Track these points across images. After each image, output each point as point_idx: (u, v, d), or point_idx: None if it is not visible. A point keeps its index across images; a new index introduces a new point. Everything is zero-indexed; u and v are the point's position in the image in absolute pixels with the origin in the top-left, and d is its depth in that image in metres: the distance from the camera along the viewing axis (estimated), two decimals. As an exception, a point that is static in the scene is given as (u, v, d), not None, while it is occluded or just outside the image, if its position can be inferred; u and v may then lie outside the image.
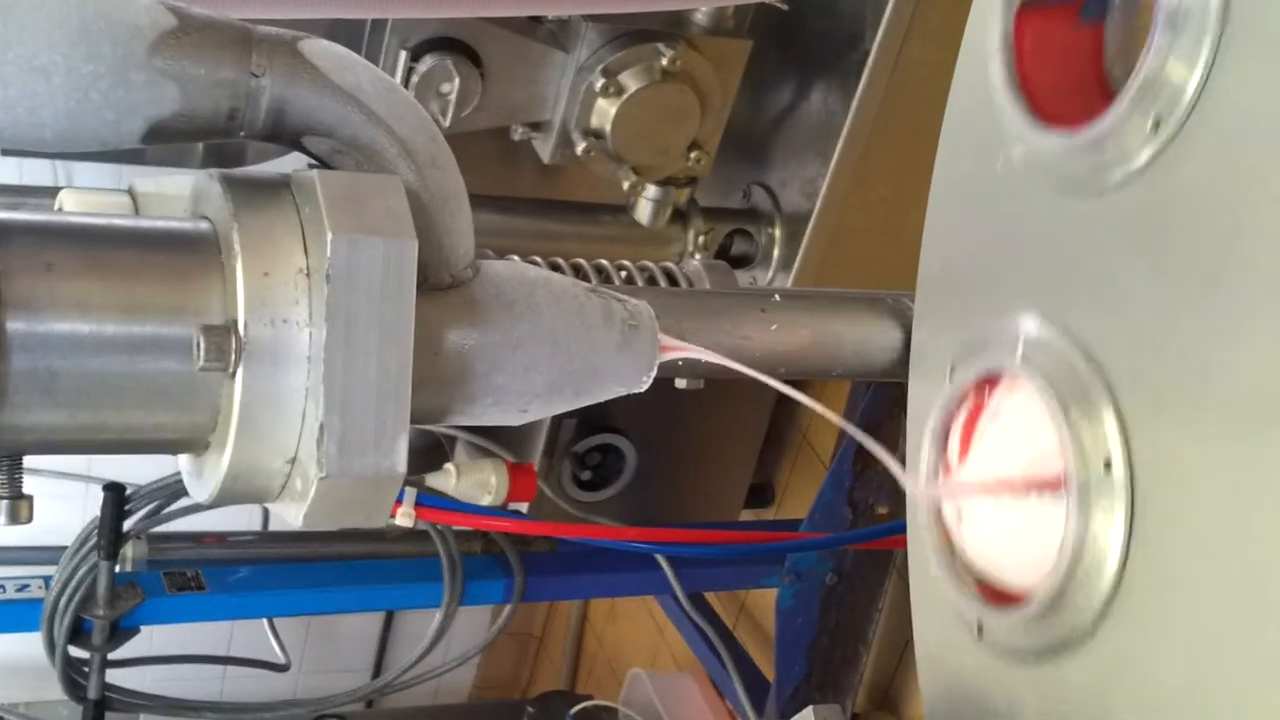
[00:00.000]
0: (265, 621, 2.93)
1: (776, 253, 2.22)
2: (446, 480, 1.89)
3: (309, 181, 0.78)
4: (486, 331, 0.85)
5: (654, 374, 0.97)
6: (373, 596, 2.84)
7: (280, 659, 2.85)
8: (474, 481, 1.89)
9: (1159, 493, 0.87)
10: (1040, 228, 0.98)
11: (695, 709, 3.25)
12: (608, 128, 2.04)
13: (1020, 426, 0.97)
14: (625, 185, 2.14)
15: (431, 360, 0.85)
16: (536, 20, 2.02)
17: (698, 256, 2.20)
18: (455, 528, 2.68)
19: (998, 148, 1.00)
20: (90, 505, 2.55)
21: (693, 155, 2.13)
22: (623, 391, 0.96)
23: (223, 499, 0.81)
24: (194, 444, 0.82)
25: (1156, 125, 0.86)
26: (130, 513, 2.47)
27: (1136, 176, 0.88)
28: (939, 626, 1.07)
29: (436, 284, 0.87)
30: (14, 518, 0.78)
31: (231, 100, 0.82)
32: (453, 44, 1.96)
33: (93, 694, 2.44)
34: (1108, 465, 0.88)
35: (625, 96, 2.03)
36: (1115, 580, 0.88)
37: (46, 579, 2.48)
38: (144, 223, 0.85)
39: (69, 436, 0.81)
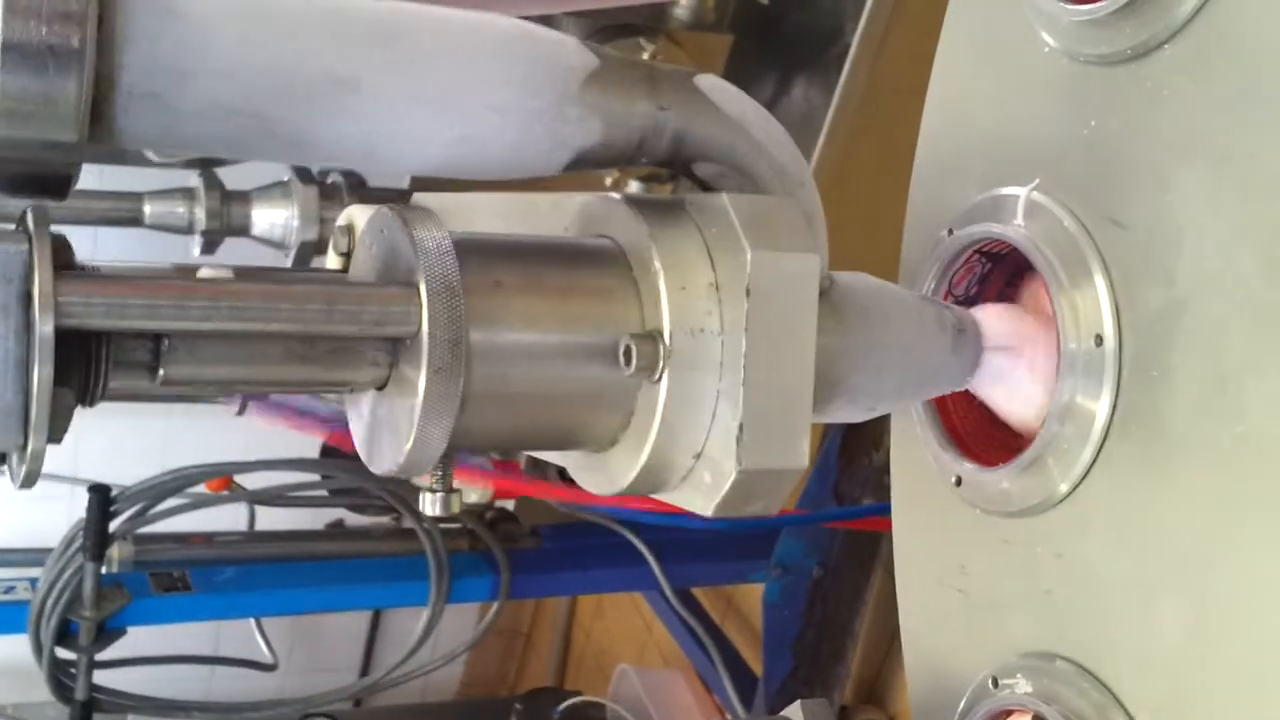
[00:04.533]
0: (252, 621, 2.92)
1: (761, 247, 2.22)
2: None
3: (716, 204, 0.86)
4: (849, 336, 0.91)
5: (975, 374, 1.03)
6: (359, 595, 2.85)
7: (267, 658, 2.85)
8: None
9: (1147, 366, 0.90)
10: (1054, 97, 1.00)
11: (683, 704, 3.25)
12: (590, 123, 2.05)
13: (1015, 292, 1.00)
14: (608, 181, 2.14)
15: None
16: (518, 17, 2.03)
17: (682, 252, 2.21)
18: (441, 526, 2.69)
19: (1016, 18, 1.01)
20: (76, 507, 2.55)
21: (675, 150, 2.13)
22: (947, 391, 1.02)
23: (629, 491, 0.88)
24: (603, 441, 0.88)
25: None
26: (116, 514, 2.47)
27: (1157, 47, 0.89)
28: (919, 483, 1.11)
29: None
30: (447, 508, 0.85)
31: (642, 132, 0.90)
32: (435, 41, 1.97)
33: (80, 695, 2.44)
34: (1099, 339, 0.92)
35: (607, 92, 2.03)
36: (1096, 449, 0.93)
37: (33, 581, 2.48)
38: (563, 241, 0.93)
39: (509, 436, 0.89)
